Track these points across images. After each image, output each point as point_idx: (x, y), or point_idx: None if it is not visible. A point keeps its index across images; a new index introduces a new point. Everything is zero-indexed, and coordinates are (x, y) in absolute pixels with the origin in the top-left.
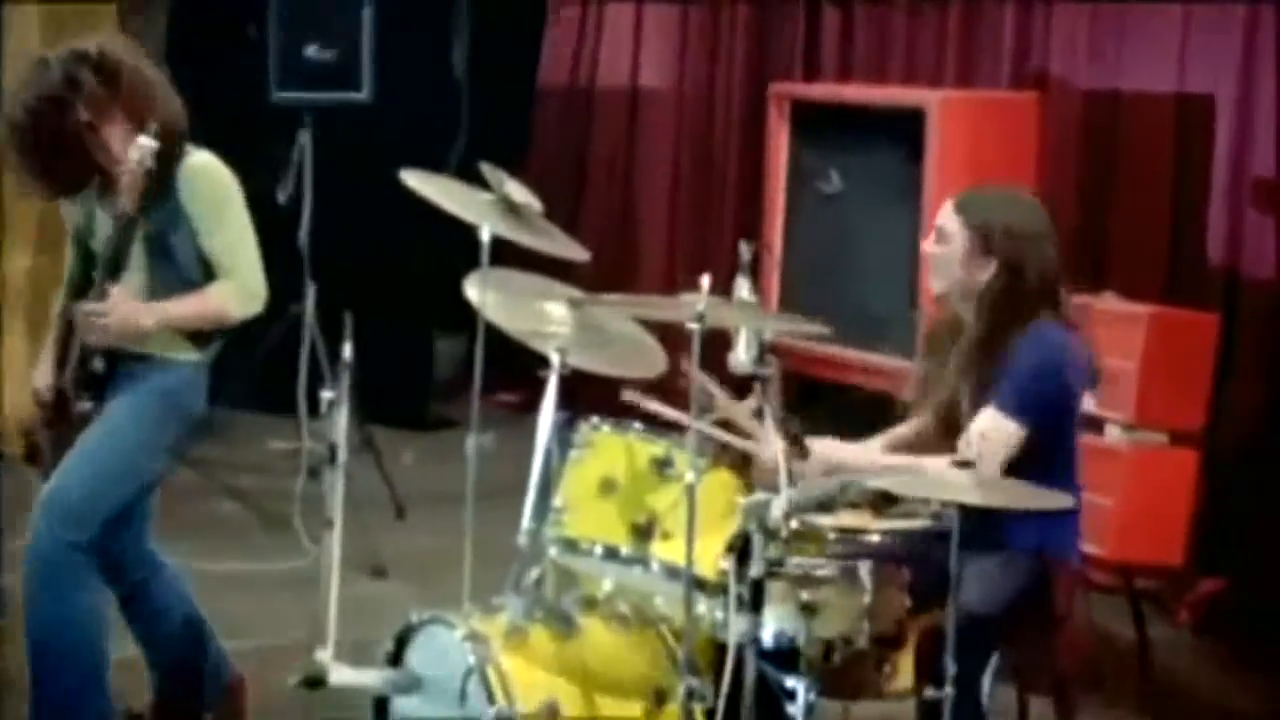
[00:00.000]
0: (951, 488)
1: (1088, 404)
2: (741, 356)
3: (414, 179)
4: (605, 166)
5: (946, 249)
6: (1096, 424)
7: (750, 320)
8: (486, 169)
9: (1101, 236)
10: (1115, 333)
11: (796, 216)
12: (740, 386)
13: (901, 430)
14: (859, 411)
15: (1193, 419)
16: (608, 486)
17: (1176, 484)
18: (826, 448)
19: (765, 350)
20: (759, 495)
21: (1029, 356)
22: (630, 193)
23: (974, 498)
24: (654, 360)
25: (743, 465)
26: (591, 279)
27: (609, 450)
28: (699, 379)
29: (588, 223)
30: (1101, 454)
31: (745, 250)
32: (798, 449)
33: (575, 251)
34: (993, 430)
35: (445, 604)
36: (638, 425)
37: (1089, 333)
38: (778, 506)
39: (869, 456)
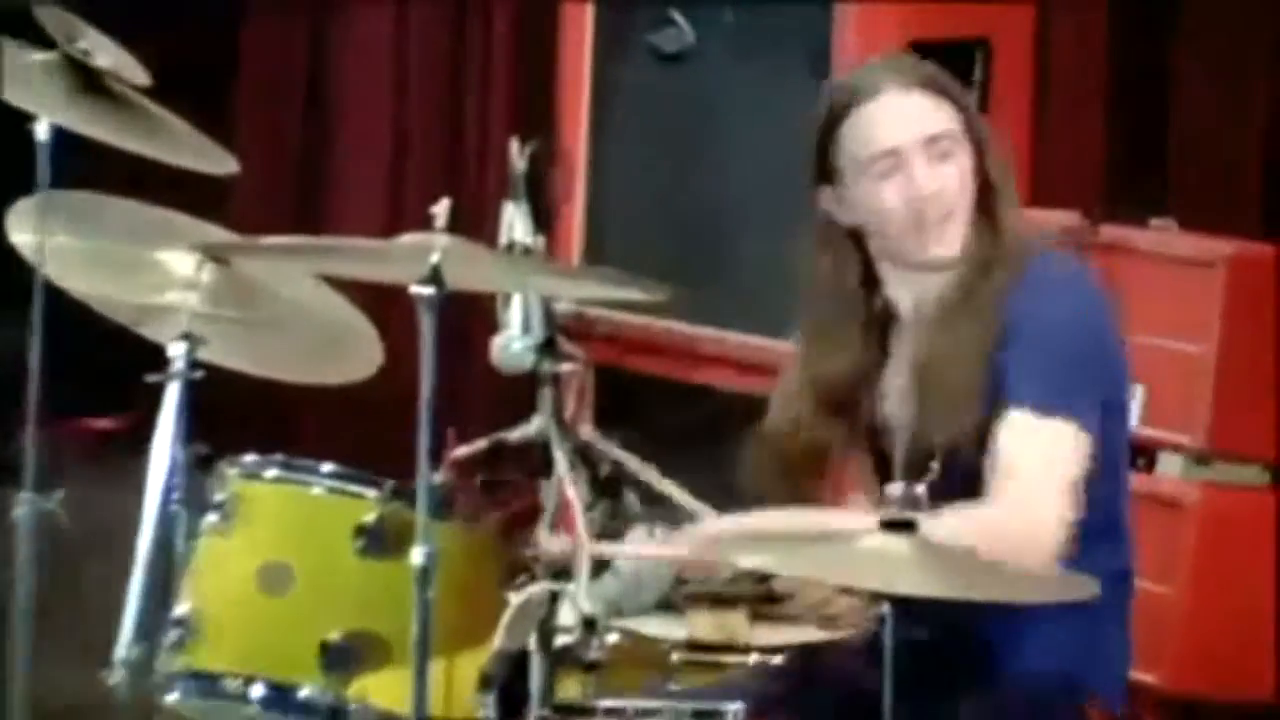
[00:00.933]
0: (897, 566)
1: None
2: (514, 345)
3: None
4: (278, 12)
5: (958, 161)
6: (1140, 454)
7: (529, 280)
8: (47, 12)
9: (1153, 125)
10: (1173, 289)
11: (614, 98)
12: (512, 397)
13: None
14: (720, 436)
15: None
16: (274, 578)
17: None
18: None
19: (556, 333)
20: (540, 586)
21: (1049, 313)
22: (326, 58)
23: (927, 583)
24: (363, 353)
25: (511, 534)
26: (257, 214)
27: (276, 513)
28: None
29: (248, 115)
30: (1151, 506)
31: (519, 156)
32: (609, 503)
33: (217, 161)
34: (1032, 446)
35: None
36: (327, 467)
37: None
38: (575, 606)
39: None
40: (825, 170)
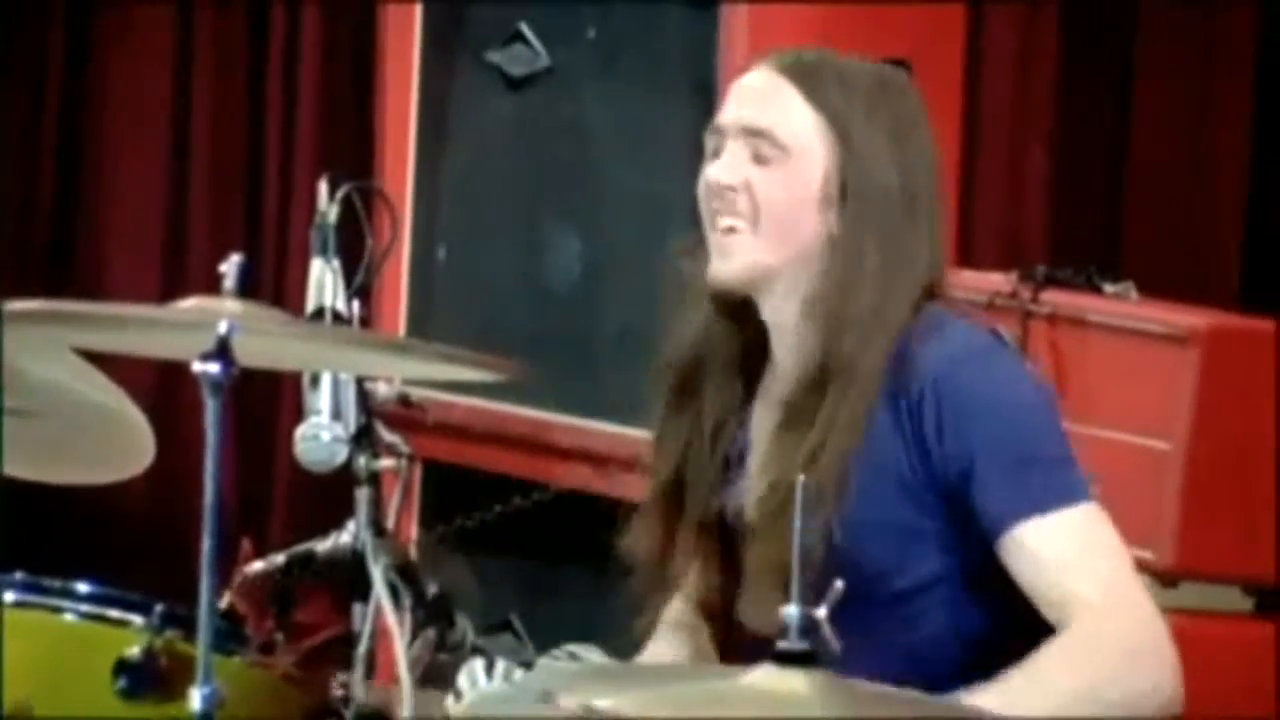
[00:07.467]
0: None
1: None
2: (322, 435)
3: None
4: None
5: (782, 170)
6: None
7: (341, 356)
8: None
9: (1107, 166)
10: (1134, 371)
11: (448, 131)
12: (321, 500)
13: (671, 624)
14: (574, 542)
15: None
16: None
17: (1264, 694)
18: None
19: (375, 421)
20: None
21: (992, 391)
22: (84, 76)
23: None
24: (131, 446)
25: (316, 671)
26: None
27: (16, 645)
28: None
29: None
30: None
31: (330, 201)
32: (438, 631)
33: None
34: (1070, 543)
35: None
36: (83, 587)
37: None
38: None
39: None
40: None
